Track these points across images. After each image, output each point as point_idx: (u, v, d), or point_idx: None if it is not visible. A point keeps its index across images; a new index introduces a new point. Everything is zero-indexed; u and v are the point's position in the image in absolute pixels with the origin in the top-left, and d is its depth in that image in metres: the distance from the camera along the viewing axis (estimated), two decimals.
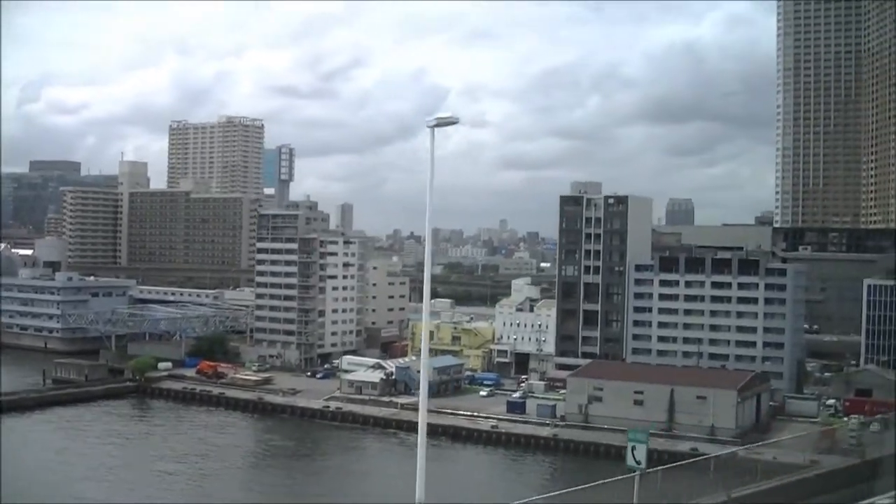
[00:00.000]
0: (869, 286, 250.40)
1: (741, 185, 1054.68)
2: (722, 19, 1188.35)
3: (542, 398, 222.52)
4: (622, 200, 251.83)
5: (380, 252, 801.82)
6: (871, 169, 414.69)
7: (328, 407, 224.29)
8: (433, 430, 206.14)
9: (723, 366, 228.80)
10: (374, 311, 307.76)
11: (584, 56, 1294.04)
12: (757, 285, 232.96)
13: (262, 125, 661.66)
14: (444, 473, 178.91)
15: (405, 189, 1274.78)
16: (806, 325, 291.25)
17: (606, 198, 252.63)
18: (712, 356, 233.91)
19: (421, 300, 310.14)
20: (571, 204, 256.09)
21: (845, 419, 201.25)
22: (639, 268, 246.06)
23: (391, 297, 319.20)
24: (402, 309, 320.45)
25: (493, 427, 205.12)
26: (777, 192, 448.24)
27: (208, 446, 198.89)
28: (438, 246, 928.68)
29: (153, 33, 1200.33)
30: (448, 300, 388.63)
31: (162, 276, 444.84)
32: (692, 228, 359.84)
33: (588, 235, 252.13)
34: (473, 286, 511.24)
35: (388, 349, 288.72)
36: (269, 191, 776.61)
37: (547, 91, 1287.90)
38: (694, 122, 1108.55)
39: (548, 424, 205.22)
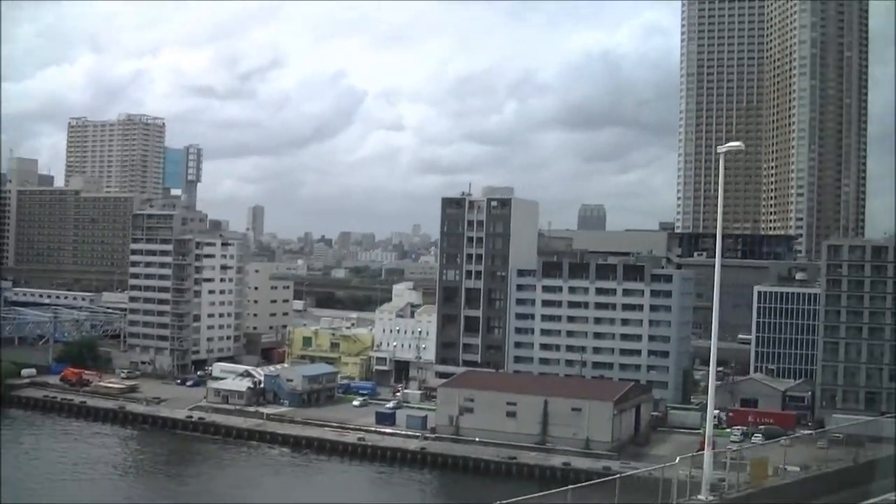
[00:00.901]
0: (759, 293, 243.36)
1: (654, 191, 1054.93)
2: (639, 27, 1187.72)
3: (418, 408, 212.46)
4: (505, 203, 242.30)
5: (290, 255, 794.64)
6: (772, 175, 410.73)
7: (191, 417, 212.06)
8: (297, 443, 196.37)
9: (601, 375, 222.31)
10: (255, 315, 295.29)
11: (500, 62, 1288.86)
12: (642, 292, 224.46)
13: (164, 124, 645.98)
14: (295, 491, 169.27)
15: (320, 192, 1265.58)
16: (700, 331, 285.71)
17: (489, 200, 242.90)
18: (596, 365, 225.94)
19: (312, 305, 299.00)
20: (453, 206, 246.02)
21: (728, 430, 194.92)
22: (521, 273, 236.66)
23: (274, 301, 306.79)
24: (285, 314, 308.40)
25: (359, 440, 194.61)
26: (679, 198, 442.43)
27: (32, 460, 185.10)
28: (349, 249, 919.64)
29: (64, 28, 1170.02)
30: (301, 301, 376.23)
31: (49, 277, 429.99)
32: (589, 234, 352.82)
33: (470, 239, 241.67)
34: (375, 291, 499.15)
35: (269, 355, 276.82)
36: (177, 192, 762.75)
37: (463, 96, 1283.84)
38: (609, 129, 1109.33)
39: (417, 437, 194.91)
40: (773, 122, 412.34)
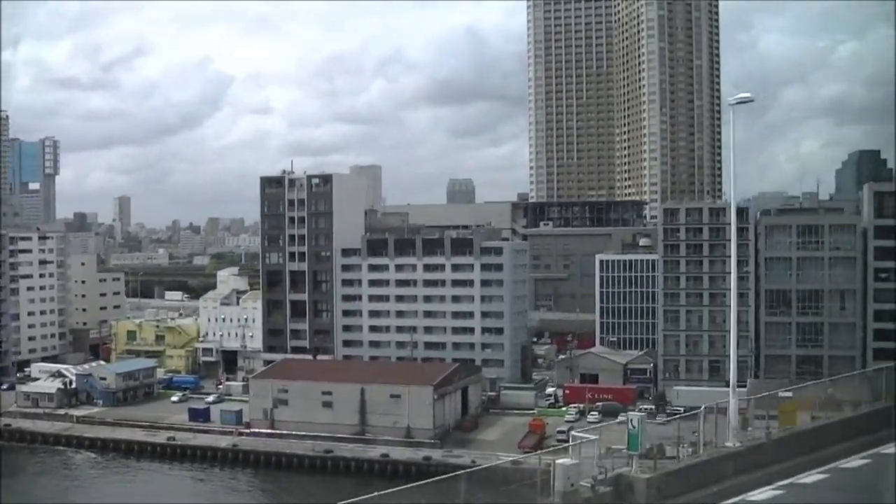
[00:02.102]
0: (601, 261, 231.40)
1: (523, 163, 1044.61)
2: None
3: (239, 401, 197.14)
4: (327, 180, 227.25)
5: (156, 244, 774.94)
6: (625, 141, 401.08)
7: None
8: (105, 446, 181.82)
9: (424, 358, 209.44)
10: (84, 310, 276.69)
11: (367, 41, 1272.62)
12: (472, 266, 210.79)
13: (7, 116, 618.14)
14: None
15: (190, 179, 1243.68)
16: (550, 304, 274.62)
17: (310, 178, 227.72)
18: (429, 345, 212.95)
19: (148, 296, 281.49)
20: (273, 186, 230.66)
21: (564, 409, 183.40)
22: (346, 252, 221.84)
23: (103, 294, 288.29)
24: (116, 307, 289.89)
25: (169, 439, 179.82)
26: (531, 168, 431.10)
27: None
28: (216, 236, 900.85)
29: None
30: (178, 292, 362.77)
31: None
32: (430, 208, 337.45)
33: (292, 219, 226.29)
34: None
35: (99, 351, 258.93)
36: (35, 185, 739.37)
37: (331, 77, 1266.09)
38: (477, 103, 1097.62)
39: (231, 433, 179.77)
40: (624, 86, 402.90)
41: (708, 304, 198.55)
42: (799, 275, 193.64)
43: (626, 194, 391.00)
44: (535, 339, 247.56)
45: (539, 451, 39.14)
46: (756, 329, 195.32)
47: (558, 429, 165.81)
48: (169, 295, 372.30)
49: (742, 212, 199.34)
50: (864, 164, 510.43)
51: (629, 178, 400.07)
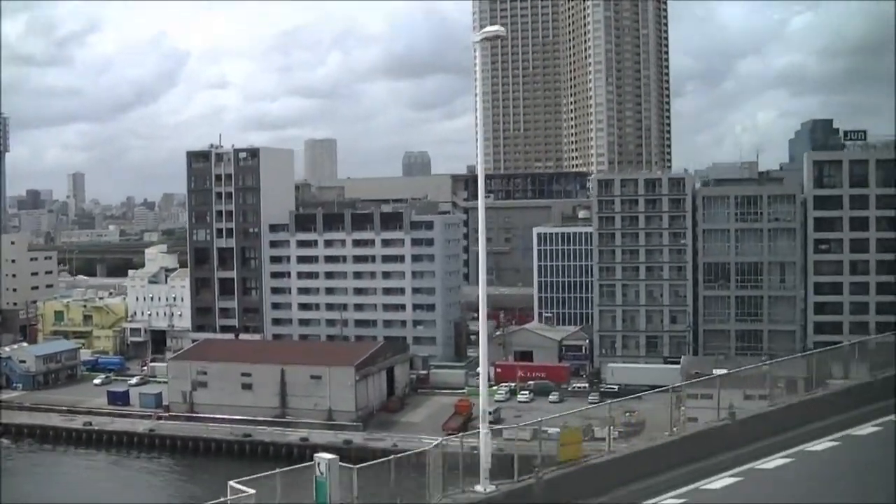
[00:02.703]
0: (538, 234, 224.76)
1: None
2: None
3: (162, 383, 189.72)
4: (255, 153, 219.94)
5: (110, 220, 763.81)
6: (572, 112, 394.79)
7: None
8: (18, 432, 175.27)
9: (357, 337, 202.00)
10: (14, 290, 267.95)
11: (323, 14, 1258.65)
12: (402, 241, 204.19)
13: None
14: None
15: (146, 156, 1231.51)
16: (492, 278, 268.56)
17: (237, 151, 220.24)
18: (359, 323, 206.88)
19: (91, 274, 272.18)
20: (200, 160, 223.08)
21: (495, 388, 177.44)
22: (274, 228, 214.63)
23: (35, 273, 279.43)
24: (49, 286, 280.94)
25: (85, 424, 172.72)
26: (476, 139, 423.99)
27: None
28: (170, 212, 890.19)
29: None
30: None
31: None
32: (369, 181, 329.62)
33: (220, 195, 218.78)
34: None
35: (29, 332, 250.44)
36: None
37: (287, 50, 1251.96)
38: (434, 76, 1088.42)
39: (150, 417, 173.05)
40: (571, 56, 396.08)
41: (644, 278, 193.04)
42: (738, 247, 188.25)
43: (573, 165, 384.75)
44: (473, 316, 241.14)
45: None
46: (694, 303, 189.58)
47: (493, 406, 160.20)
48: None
49: (679, 182, 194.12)
50: (817, 134, 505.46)
51: (576, 150, 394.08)
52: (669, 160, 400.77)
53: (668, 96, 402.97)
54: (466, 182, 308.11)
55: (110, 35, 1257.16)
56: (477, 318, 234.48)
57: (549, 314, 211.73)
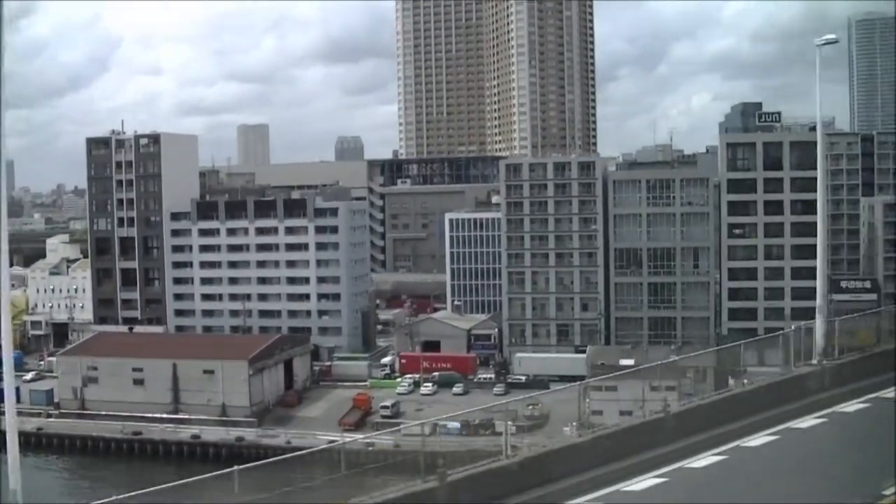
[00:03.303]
0: (450, 220, 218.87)
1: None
2: None
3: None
4: (156, 139, 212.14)
5: (39, 209, 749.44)
6: (495, 95, 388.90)
7: None
8: None
9: (261, 328, 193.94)
10: None
11: None
12: (306, 229, 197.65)
13: None
14: None
15: (79, 143, 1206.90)
16: (409, 265, 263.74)
17: (137, 137, 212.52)
18: (264, 313, 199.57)
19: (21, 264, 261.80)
20: (100, 147, 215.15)
21: (398, 380, 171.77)
22: (176, 216, 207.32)
23: None
24: None
25: None
26: (400, 125, 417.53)
27: None
28: None
29: None
30: None
31: None
32: (283, 167, 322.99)
33: (120, 182, 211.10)
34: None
35: None
36: None
37: (221, 34, 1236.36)
38: (369, 61, 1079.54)
39: (40, 414, 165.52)
40: (494, 39, 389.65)
41: (554, 264, 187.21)
42: (650, 232, 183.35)
43: (497, 149, 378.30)
44: (387, 303, 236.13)
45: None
46: (605, 290, 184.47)
47: (382, 403, 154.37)
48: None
49: (589, 166, 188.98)
50: (747, 117, 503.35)
51: (500, 134, 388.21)
52: (595, 144, 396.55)
53: (593, 80, 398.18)
54: (383, 167, 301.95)
55: (42, 19, 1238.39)
56: (387, 307, 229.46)
57: (459, 302, 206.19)
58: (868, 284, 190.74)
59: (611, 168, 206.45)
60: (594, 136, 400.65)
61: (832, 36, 39.08)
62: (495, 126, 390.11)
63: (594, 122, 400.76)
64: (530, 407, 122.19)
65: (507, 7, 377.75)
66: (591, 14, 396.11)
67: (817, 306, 37.55)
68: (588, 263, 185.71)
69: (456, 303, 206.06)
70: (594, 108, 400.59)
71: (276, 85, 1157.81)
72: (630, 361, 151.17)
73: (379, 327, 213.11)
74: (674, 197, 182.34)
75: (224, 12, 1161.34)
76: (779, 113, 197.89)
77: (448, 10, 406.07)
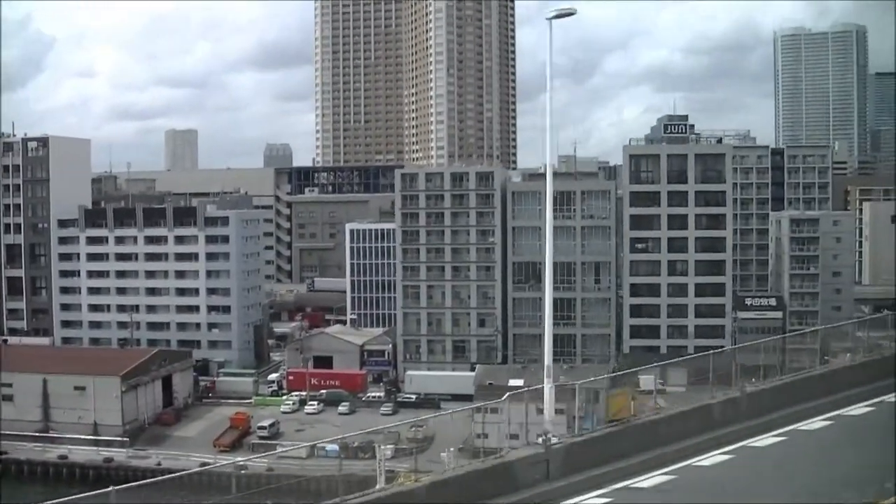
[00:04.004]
0: (351, 231, 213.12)
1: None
2: None
3: None
4: (45, 143, 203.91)
5: None
6: (413, 104, 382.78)
7: None
8: None
9: (136, 340, 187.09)
10: None
11: (193, 3, 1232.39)
12: (197, 238, 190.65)
13: None
14: None
15: None
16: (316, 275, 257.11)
17: (25, 141, 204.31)
18: (152, 325, 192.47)
19: None
20: None
21: (284, 397, 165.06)
22: (64, 223, 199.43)
23: None
24: None
25: None
26: (318, 132, 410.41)
27: None
28: None
29: None
30: None
31: None
32: (186, 174, 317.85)
33: (8, 187, 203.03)
34: None
35: None
36: None
37: (155, 38, 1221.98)
38: (304, 67, 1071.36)
39: None
40: (413, 46, 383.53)
41: (451, 278, 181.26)
42: None
43: (413, 158, 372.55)
44: (290, 316, 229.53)
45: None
46: (503, 306, 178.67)
47: (259, 424, 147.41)
48: None
49: (487, 177, 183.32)
50: (671, 129, 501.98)
51: (417, 142, 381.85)
52: (515, 155, 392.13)
53: (514, 90, 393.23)
54: (290, 175, 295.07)
55: None
56: (290, 319, 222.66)
57: (354, 316, 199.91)
58: (773, 302, 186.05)
59: (516, 179, 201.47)
60: (514, 147, 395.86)
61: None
62: (413, 135, 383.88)
63: (514, 133, 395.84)
64: (414, 429, 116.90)
65: (427, 13, 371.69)
66: (513, 22, 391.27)
67: None
68: (485, 277, 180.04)
69: (351, 316, 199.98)
70: (514, 118, 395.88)
71: (209, 90, 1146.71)
72: (519, 382, 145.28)
73: (271, 342, 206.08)
74: (574, 210, 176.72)
75: (158, 15, 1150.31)
76: (687, 124, 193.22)
77: (367, 15, 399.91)
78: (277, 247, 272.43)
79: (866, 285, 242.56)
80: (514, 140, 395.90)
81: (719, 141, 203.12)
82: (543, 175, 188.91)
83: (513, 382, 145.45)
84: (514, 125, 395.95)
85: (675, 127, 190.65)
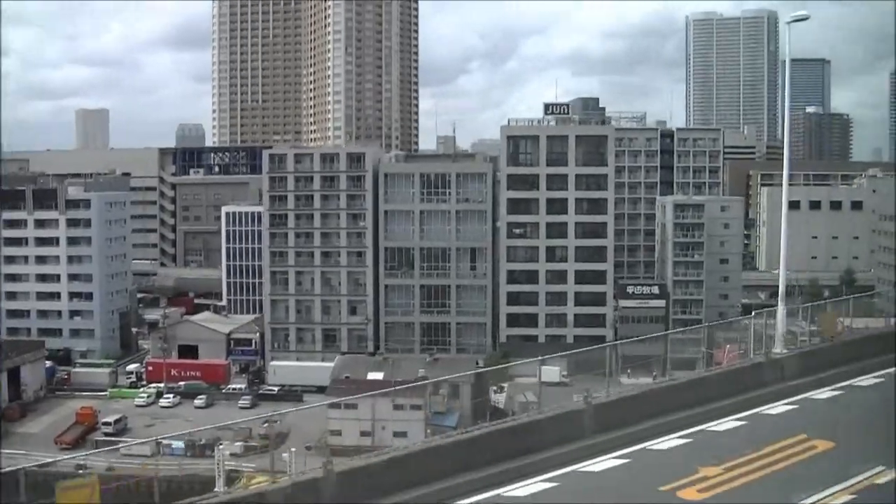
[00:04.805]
0: (227, 214, 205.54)
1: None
2: None
3: None
4: None
5: None
6: (311, 83, 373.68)
7: None
8: None
9: (9, 329, 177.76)
10: None
11: None
12: (57, 222, 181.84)
13: None
14: None
15: None
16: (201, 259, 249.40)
17: None
18: (12, 313, 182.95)
19: None
20: None
21: (141, 390, 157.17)
22: None
23: None
24: None
25: None
26: (214, 112, 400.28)
27: None
28: None
29: None
30: None
31: None
32: (67, 154, 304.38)
33: None
34: None
35: None
36: None
37: (70, 16, 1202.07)
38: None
39: None
40: (312, 23, 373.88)
41: (320, 264, 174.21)
42: (423, 230, 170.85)
43: (311, 139, 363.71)
44: (169, 302, 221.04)
45: None
46: (375, 293, 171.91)
47: (104, 419, 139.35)
48: None
49: (359, 158, 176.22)
50: (586, 112, 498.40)
51: (315, 123, 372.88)
52: (417, 137, 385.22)
53: (416, 71, 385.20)
54: (174, 155, 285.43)
55: None
56: (169, 305, 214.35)
57: (223, 303, 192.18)
58: (656, 290, 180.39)
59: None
60: (416, 128, 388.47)
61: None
62: (311, 115, 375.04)
63: (416, 114, 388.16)
64: (266, 425, 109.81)
65: None
66: (416, 3, 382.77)
67: None
68: (356, 263, 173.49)
69: (220, 304, 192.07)
70: (416, 98, 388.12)
71: (124, 70, 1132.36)
72: (379, 375, 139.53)
73: (139, 330, 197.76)
74: (450, 193, 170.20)
75: None
76: (567, 105, 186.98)
77: None
78: (161, 230, 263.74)
79: (764, 271, 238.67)
80: (416, 120, 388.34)
81: (602, 122, 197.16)
82: (421, 157, 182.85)
83: (372, 376, 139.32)
84: (416, 107, 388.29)
85: (556, 108, 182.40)
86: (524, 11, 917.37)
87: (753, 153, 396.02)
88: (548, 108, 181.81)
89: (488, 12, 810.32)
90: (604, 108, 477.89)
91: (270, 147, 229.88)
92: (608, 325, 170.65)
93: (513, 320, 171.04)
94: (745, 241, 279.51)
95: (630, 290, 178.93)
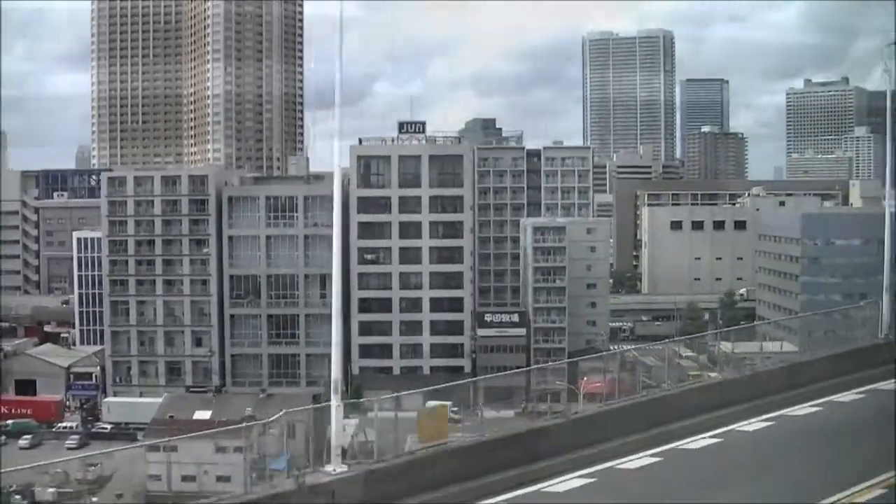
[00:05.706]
0: (78, 239, 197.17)
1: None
2: None
3: None
4: None
5: None
6: (191, 104, 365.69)
7: None
8: None
9: None
10: None
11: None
12: None
13: None
14: None
15: None
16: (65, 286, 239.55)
17: None
18: None
19: None
20: None
21: None
22: None
23: None
24: None
25: None
26: (93, 134, 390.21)
27: None
28: None
29: None
30: None
31: None
32: None
33: None
34: None
35: None
36: None
37: None
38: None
39: None
40: (192, 43, 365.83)
41: (163, 293, 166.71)
42: (270, 257, 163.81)
43: (192, 161, 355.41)
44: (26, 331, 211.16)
45: None
46: (220, 323, 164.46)
47: None
48: None
49: (202, 180, 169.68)
50: (478, 132, 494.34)
51: (195, 145, 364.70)
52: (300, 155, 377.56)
53: (301, 90, 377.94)
54: (37, 179, 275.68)
55: None
56: (26, 335, 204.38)
57: (66, 333, 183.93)
58: (516, 318, 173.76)
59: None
60: (300, 150, 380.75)
61: None
62: (191, 136, 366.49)
63: (301, 135, 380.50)
64: (90, 468, 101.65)
65: (206, 9, 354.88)
66: (301, 21, 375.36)
67: None
68: (201, 292, 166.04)
69: (63, 335, 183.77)
70: (301, 119, 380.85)
71: (28, 90, 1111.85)
72: (206, 414, 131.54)
73: None
74: (297, 217, 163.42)
75: None
76: (423, 123, 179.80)
77: (147, 11, 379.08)
78: (25, 255, 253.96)
79: (647, 294, 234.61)
80: (301, 144, 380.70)
81: (458, 140, 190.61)
82: (268, 179, 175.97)
83: (199, 415, 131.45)
84: (301, 126, 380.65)
85: (411, 126, 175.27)
86: (429, 34, 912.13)
87: (650, 172, 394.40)
88: (402, 126, 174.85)
89: (394, 34, 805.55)
90: (500, 129, 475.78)
91: (111, 171, 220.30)
92: (466, 355, 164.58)
93: (366, 351, 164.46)
94: (635, 263, 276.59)
95: (488, 318, 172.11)
